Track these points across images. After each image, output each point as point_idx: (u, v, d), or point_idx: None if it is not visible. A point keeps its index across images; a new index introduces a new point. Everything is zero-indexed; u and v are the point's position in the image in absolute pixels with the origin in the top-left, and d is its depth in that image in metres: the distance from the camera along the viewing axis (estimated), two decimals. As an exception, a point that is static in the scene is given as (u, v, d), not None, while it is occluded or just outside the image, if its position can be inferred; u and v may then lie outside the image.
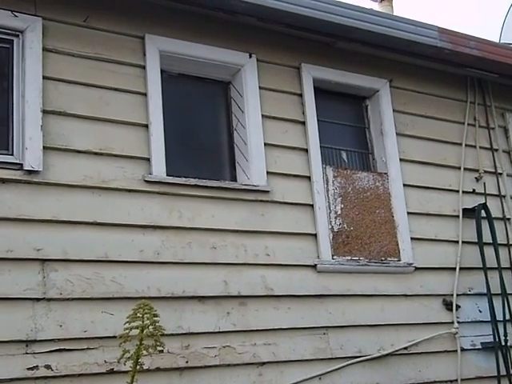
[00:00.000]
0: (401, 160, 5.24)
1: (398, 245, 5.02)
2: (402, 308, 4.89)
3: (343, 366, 4.50)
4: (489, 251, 5.32)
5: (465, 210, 5.41)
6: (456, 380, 4.94)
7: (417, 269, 5.03)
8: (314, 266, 4.60)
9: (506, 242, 5.57)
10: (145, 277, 3.99)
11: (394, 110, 5.34)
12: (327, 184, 4.87)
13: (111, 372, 3.73)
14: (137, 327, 3.07)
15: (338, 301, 4.63)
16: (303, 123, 4.88)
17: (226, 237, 4.33)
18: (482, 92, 5.93)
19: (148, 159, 4.19)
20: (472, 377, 5.04)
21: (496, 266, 5.30)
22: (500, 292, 5.26)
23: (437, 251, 5.20)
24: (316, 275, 4.59)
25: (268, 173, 4.60)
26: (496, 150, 5.84)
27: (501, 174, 5.78)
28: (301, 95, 4.93)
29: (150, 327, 3.09)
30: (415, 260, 5.04)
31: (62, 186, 3.88)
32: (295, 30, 4.83)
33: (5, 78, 3.98)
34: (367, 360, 4.61)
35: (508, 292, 5.30)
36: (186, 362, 3.98)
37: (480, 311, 5.23)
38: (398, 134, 5.30)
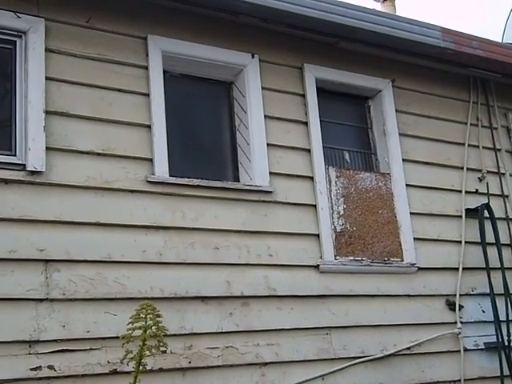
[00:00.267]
0: (403, 160, 5.24)
1: (400, 245, 5.02)
2: (404, 308, 4.89)
3: (346, 367, 4.50)
4: (492, 251, 5.31)
5: (468, 210, 5.40)
6: (459, 380, 4.93)
7: (420, 269, 5.02)
8: (317, 267, 4.59)
9: (508, 242, 5.56)
10: (148, 277, 3.99)
11: (396, 111, 5.34)
12: (330, 184, 4.87)
13: (114, 372, 3.73)
14: (140, 328, 3.08)
15: (340, 301, 4.62)
16: (306, 123, 4.88)
17: (229, 237, 4.33)
18: (485, 92, 5.93)
19: (151, 160, 4.20)
20: (475, 377, 5.04)
21: (499, 266, 5.29)
22: (503, 292, 5.25)
23: (440, 251, 5.19)
24: (319, 275, 4.59)
25: (271, 173, 4.60)
26: (499, 149, 5.84)
27: (504, 174, 5.77)
28: (303, 95, 4.93)
29: (153, 328, 3.09)
30: (418, 260, 5.03)
31: (64, 187, 3.89)
32: (298, 30, 4.82)
33: (7, 78, 3.98)
34: (370, 360, 4.61)
35: (511, 292, 5.29)
36: (189, 362, 3.98)
37: (483, 311, 5.22)
38: (400, 134, 5.30)
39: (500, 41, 6.82)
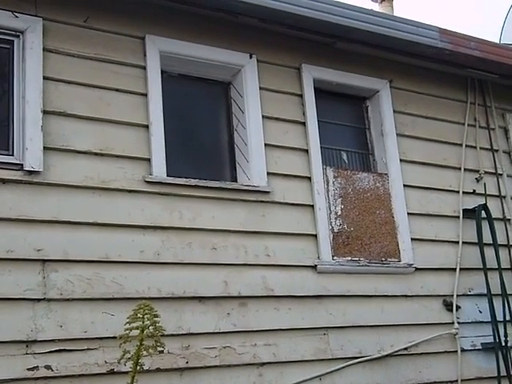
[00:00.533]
0: (401, 160, 5.25)
1: (398, 245, 5.03)
2: (402, 309, 4.89)
3: (343, 367, 4.50)
4: (489, 252, 5.32)
5: (465, 211, 5.41)
6: (456, 381, 4.94)
7: (417, 269, 5.03)
8: (315, 267, 4.60)
9: (506, 243, 5.57)
10: (145, 277, 3.99)
11: (394, 111, 5.34)
12: (327, 185, 4.87)
13: (111, 372, 3.73)
14: (137, 328, 3.07)
15: (338, 301, 4.63)
16: (303, 124, 4.88)
17: (227, 237, 4.33)
18: (483, 92, 5.93)
19: (148, 160, 4.19)
20: (472, 377, 5.04)
21: (496, 266, 5.30)
22: (500, 292, 5.26)
23: (437, 252, 5.20)
24: (316, 276, 4.60)
25: (268, 173, 4.61)
26: (496, 150, 5.85)
27: (501, 174, 5.78)
28: (301, 96, 4.93)
29: (151, 328, 3.08)
30: (415, 261, 5.04)
31: (62, 187, 3.88)
32: (296, 30, 4.82)
33: (5, 78, 3.98)
34: (367, 361, 4.61)
35: (508, 292, 5.29)
36: (186, 362, 3.98)
37: (480, 312, 5.23)
38: (398, 134, 5.30)
39: (497, 41, 6.83)
